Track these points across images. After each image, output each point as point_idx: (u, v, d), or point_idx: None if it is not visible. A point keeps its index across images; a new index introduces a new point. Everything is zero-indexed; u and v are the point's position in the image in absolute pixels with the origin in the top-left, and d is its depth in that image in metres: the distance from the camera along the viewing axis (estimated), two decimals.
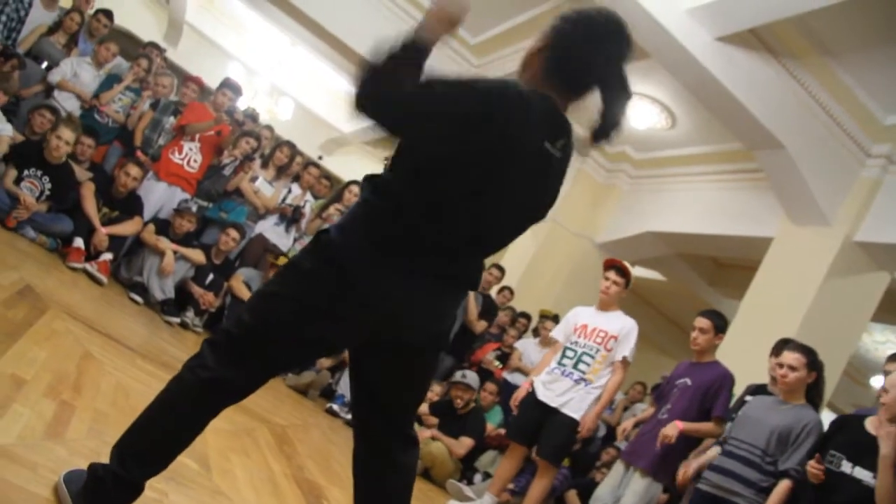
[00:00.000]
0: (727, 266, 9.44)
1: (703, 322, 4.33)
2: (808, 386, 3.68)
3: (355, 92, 1.67)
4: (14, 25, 6.20)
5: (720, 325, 4.33)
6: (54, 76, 6.25)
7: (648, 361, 5.89)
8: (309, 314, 1.75)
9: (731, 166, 7.49)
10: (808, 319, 5.69)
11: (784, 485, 3.45)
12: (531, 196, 1.86)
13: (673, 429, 4.06)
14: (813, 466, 3.31)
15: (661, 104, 7.43)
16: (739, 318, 6.22)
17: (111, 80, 6.51)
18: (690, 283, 9.61)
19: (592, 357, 4.50)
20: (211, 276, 5.99)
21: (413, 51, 1.69)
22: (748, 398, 4.18)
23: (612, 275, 4.64)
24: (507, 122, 1.71)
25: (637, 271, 9.22)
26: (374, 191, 1.81)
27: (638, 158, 8.83)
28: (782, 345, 3.99)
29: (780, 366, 3.69)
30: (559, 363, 4.60)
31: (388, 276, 1.74)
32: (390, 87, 1.67)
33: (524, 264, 8.90)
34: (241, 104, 7.81)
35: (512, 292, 7.69)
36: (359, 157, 13.49)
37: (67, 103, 6.29)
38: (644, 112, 7.61)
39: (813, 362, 3.67)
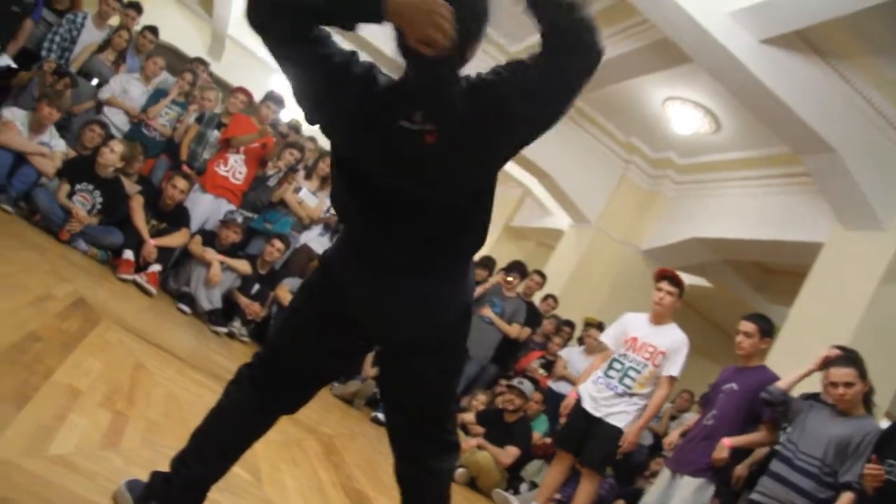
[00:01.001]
0: (775, 272, 9.26)
1: (747, 326, 4.21)
2: (864, 395, 3.59)
3: None
4: (67, 45, 6.38)
5: (766, 328, 4.21)
6: (104, 93, 6.41)
7: (695, 369, 5.79)
8: (315, 322, 1.87)
9: (777, 170, 7.35)
10: (861, 326, 5.53)
11: (847, 497, 3.36)
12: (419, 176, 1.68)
13: (722, 450, 3.96)
14: (870, 468, 3.22)
15: (704, 108, 7.34)
16: (789, 325, 6.09)
17: (158, 95, 6.64)
18: (737, 290, 9.46)
19: (639, 372, 4.43)
20: (257, 287, 6.06)
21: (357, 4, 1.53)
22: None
23: (665, 285, 4.55)
24: (359, 96, 1.63)
25: (682, 278, 9.08)
26: None
27: (682, 164, 8.73)
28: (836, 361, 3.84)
29: (835, 385, 3.59)
30: (605, 374, 4.54)
31: (359, 277, 1.80)
32: (287, 6, 1.53)
33: (568, 272, 8.85)
34: (285, 116, 7.89)
35: (556, 300, 7.64)
36: None
37: (116, 118, 6.43)
38: (688, 117, 7.53)
39: (863, 371, 3.58)
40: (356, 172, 1.74)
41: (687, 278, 9.34)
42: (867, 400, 3.62)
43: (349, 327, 1.85)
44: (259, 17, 1.56)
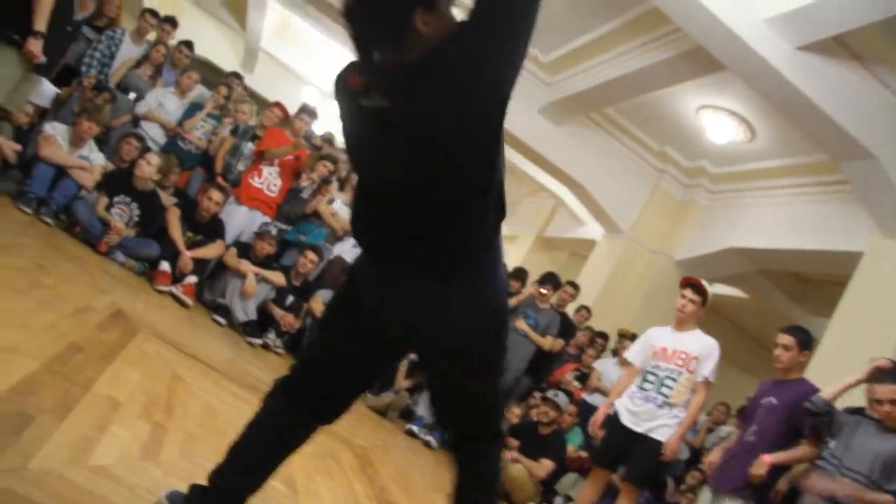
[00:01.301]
0: (813, 282, 9.09)
1: (785, 339, 4.12)
2: None
3: None
4: (106, 61, 6.53)
5: (805, 340, 4.11)
6: (140, 108, 6.52)
7: (731, 381, 5.70)
8: (343, 332, 1.90)
9: (814, 178, 7.23)
10: None
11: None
12: (393, 154, 1.63)
13: (761, 466, 3.88)
14: None
15: (739, 117, 7.25)
16: (829, 336, 5.96)
17: (193, 109, 6.74)
18: (773, 300, 9.30)
19: (675, 380, 4.36)
20: (291, 298, 6.10)
21: None
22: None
23: (688, 293, 4.49)
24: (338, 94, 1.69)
25: (717, 288, 8.99)
26: None
27: (716, 173, 8.63)
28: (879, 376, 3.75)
29: (880, 402, 3.51)
30: (641, 387, 4.47)
31: (374, 283, 1.81)
32: None
33: (601, 283, 8.78)
34: (318, 128, 7.96)
35: (589, 311, 7.59)
36: None
37: (153, 132, 6.54)
38: (722, 125, 7.45)
39: None
40: (357, 173, 1.83)
41: (722, 289, 9.31)
42: None
43: (375, 336, 1.86)
44: None
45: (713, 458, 4.46)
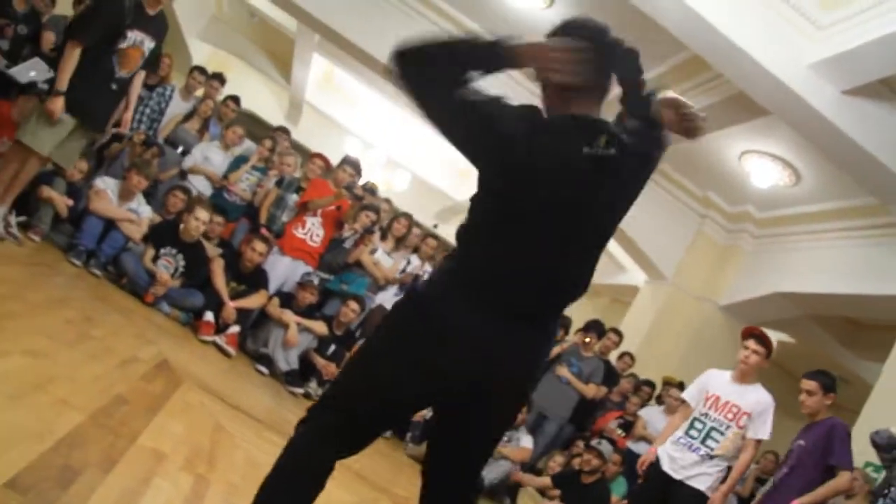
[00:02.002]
0: (865, 326, 8.84)
1: (809, 384, 4.08)
2: None
3: (405, 44, 1.68)
4: (156, 117, 6.74)
5: (827, 384, 4.05)
6: (187, 163, 6.70)
7: (779, 428, 5.50)
8: (401, 365, 1.78)
9: (863, 221, 7.08)
10: None
11: None
12: (587, 203, 1.80)
13: None
14: None
15: (783, 161, 7.16)
16: (884, 380, 5.78)
17: (239, 161, 6.89)
18: (823, 345, 9.06)
19: (722, 434, 4.25)
20: (333, 347, 6.11)
21: (488, 49, 1.69)
22: None
23: (751, 344, 4.38)
24: (526, 128, 1.75)
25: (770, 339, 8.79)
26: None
27: (761, 217, 8.51)
28: None
29: None
30: (687, 434, 4.37)
31: (468, 317, 1.74)
32: (437, 57, 1.68)
33: (644, 329, 8.65)
34: (361, 179, 8.07)
35: (633, 358, 7.47)
36: None
37: (200, 184, 6.70)
38: (766, 170, 7.36)
39: None
40: (509, 205, 1.77)
41: (769, 333, 9.07)
42: None
43: (433, 381, 1.79)
44: (407, 70, 1.71)
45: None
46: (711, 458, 4.23)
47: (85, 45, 4.15)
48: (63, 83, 4.12)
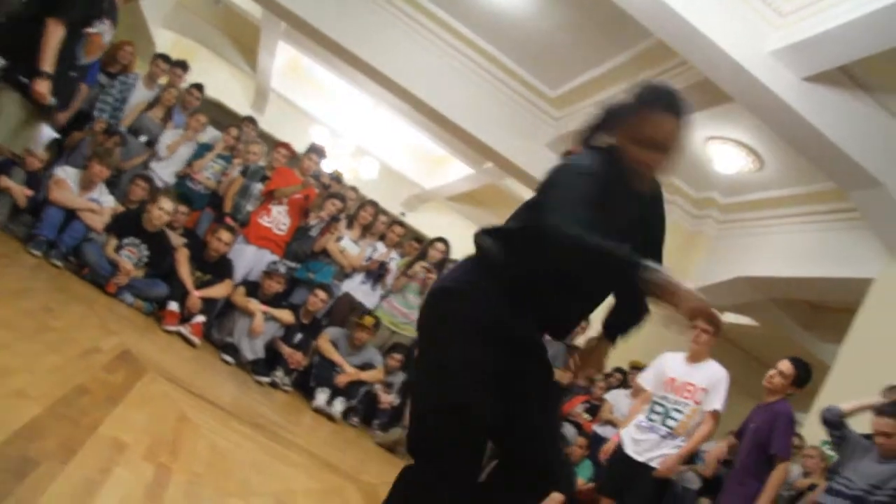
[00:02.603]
0: (825, 309, 9.01)
1: (787, 367, 4.19)
2: None
3: (562, 229, 1.86)
4: (118, 105, 6.62)
5: (802, 377, 4.17)
6: (162, 149, 6.67)
7: (743, 409, 5.61)
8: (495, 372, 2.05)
9: (824, 206, 7.20)
10: None
11: None
12: None
13: None
14: None
15: (747, 147, 7.25)
16: (840, 363, 5.91)
17: (203, 150, 6.82)
18: (785, 328, 9.22)
19: (681, 412, 4.36)
20: (299, 336, 6.09)
21: (630, 270, 1.80)
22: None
23: (700, 323, 4.48)
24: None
25: (728, 317, 8.93)
26: None
27: (725, 203, 8.62)
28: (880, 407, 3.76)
29: (876, 433, 3.51)
30: (648, 418, 4.48)
31: (528, 340, 2.20)
32: (587, 253, 1.85)
33: None
34: (327, 166, 8.03)
35: None
36: (440, 213, 13.62)
37: (163, 173, 6.61)
38: (730, 156, 7.44)
39: None
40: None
41: (733, 317, 9.21)
42: None
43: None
44: (560, 249, 1.91)
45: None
46: (673, 436, 4.33)
47: (67, 24, 3.91)
48: (47, 63, 3.91)
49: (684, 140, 2.12)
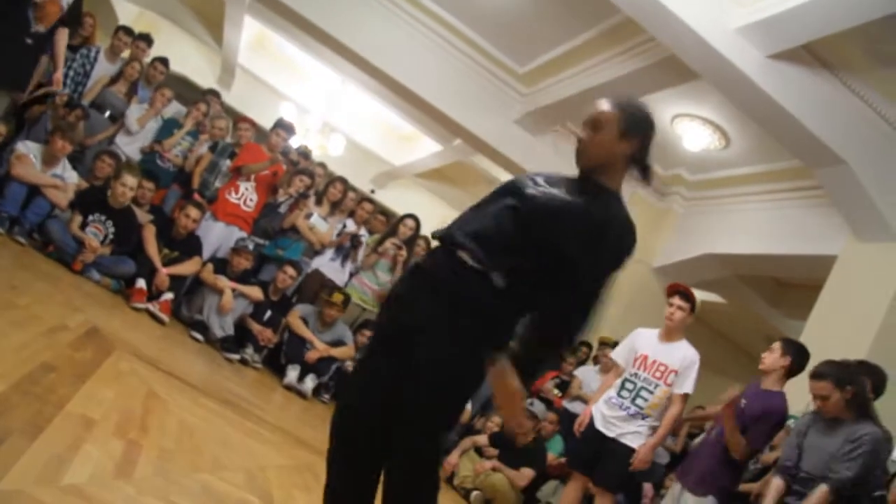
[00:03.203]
0: (790, 286, 9.17)
1: (779, 348, 4.16)
2: (847, 401, 3.56)
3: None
4: (80, 79, 6.48)
5: (797, 364, 4.11)
6: (131, 122, 6.55)
7: (709, 385, 5.72)
8: None
9: (789, 184, 7.30)
10: (880, 338, 5.45)
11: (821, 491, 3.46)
12: None
13: None
14: None
15: (713, 125, 7.32)
16: (805, 339, 6.00)
17: (170, 125, 6.71)
18: (752, 305, 9.37)
19: (651, 392, 4.39)
20: (269, 313, 6.07)
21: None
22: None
23: (676, 300, 4.50)
24: None
25: (695, 294, 9.02)
26: None
27: (692, 180, 8.70)
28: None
29: (815, 397, 3.65)
30: (618, 394, 4.50)
31: None
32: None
33: None
34: (295, 142, 7.95)
35: None
36: (410, 189, 13.59)
37: (128, 149, 6.51)
38: (697, 133, 7.51)
39: (840, 379, 3.56)
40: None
41: (700, 294, 9.31)
42: (857, 406, 3.58)
43: None
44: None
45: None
46: (643, 416, 4.37)
47: None
48: None
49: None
